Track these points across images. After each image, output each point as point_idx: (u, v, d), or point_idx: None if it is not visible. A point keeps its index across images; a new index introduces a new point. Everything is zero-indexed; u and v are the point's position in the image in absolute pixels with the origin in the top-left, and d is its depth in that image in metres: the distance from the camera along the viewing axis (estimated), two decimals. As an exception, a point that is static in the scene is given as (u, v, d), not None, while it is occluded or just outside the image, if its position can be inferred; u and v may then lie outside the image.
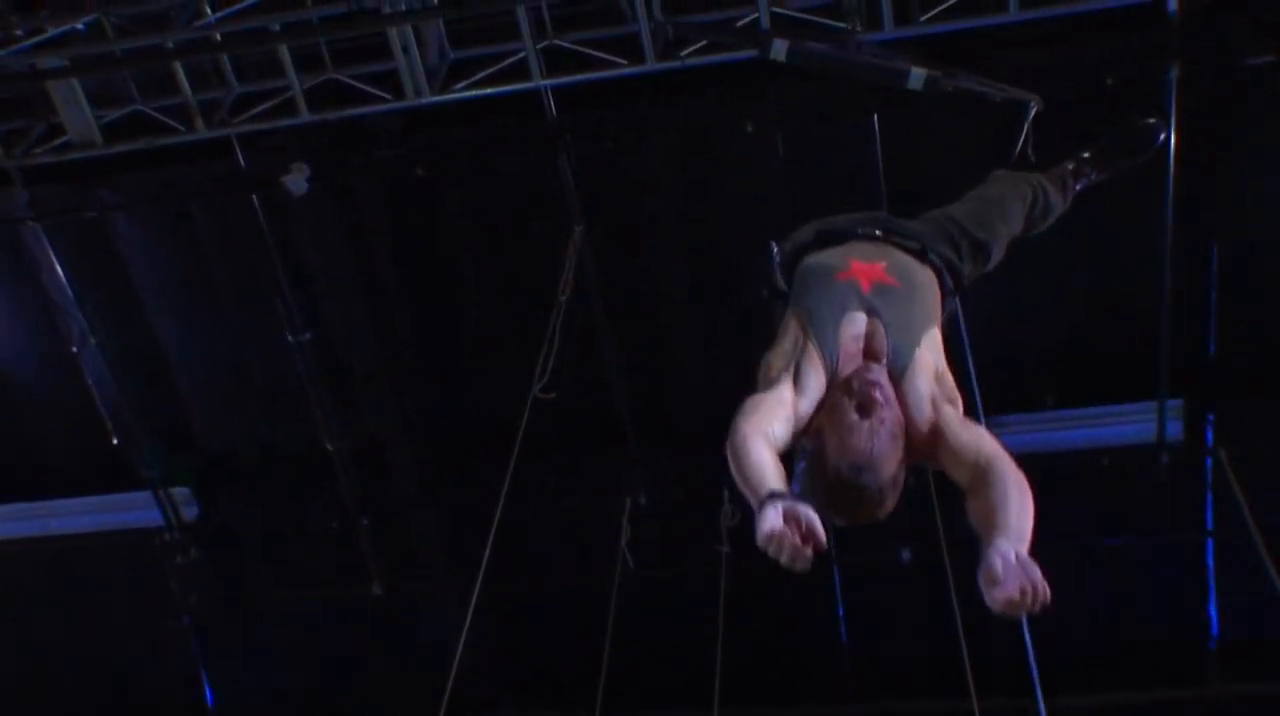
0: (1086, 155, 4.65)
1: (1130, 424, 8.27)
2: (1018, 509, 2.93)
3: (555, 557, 9.21)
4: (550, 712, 9.58)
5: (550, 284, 7.56)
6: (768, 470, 2.90)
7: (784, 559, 2.64)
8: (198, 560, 9.58)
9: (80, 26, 7.20)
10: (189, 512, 9.45)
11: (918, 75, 5.15)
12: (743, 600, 8.40)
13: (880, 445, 3.07)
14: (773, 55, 5.17)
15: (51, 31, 7.22)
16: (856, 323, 3.39)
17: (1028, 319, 8.02)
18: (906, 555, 8.59)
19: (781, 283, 3.84)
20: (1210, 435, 8.34)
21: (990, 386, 7.92)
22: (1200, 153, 7.26)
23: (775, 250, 3.90)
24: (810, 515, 2.67)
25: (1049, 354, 8.19)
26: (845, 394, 3.17)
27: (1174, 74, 6.95)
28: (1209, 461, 8.36)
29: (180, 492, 9.39)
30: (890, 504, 3.10)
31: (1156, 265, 7.54)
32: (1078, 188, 4.61)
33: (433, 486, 9.28)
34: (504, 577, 8.10)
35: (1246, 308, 7.91)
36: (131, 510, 9.41)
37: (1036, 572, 2.69)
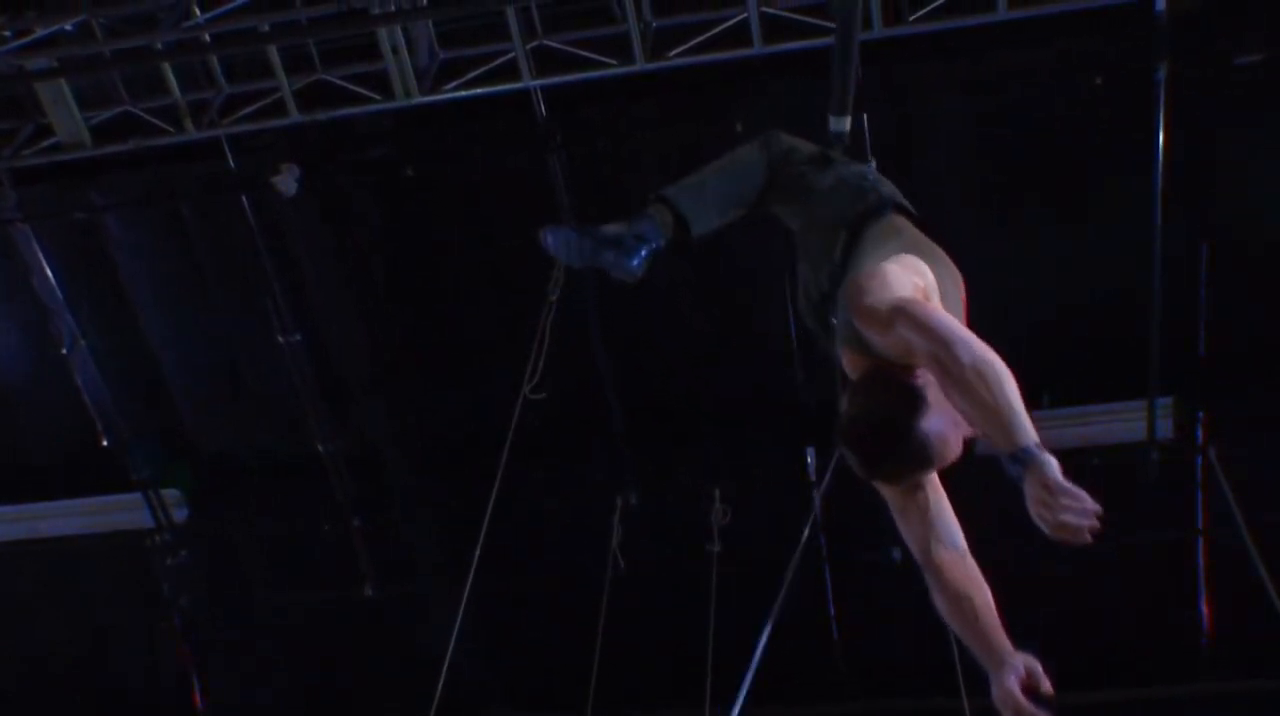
0: None
1: (1120, 422, 8.27)
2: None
3: (546, 558, 9.20)
4: (541, 713, 9.58)
5: (541, 284, 7.55)
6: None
7: (1070, 518, 2.53)
8: (188, 561, 9.56)
9: (69, 27, 7.19)
10: (179, 514, 9.42)
11: (841, 121, 4.78)
12: (733, 600, 8.41)
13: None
14: None
15: (40, 32, 7.20)
16: None
17: (1017, 317, 8.03)
18: (897, 554, 8.59)
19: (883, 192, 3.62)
20: (1200, 433, 8.34)
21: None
22: (1189, 152, 7.27)
23: (874, 165, 3.66)
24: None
25: (1039, 352, 8.19)
26: None
27: (1162, 73, 6.96)
28: (1199, 459, 8.37)
29: (170, 494, 9.35)
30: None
31: (1146, 264, 7.55)
32: None
33: (424, 487, 9.26)
34: (495, 578, 8.10)
35: (1236, 306, 7.92)
36: (122, 512, 9.37)
37: None
